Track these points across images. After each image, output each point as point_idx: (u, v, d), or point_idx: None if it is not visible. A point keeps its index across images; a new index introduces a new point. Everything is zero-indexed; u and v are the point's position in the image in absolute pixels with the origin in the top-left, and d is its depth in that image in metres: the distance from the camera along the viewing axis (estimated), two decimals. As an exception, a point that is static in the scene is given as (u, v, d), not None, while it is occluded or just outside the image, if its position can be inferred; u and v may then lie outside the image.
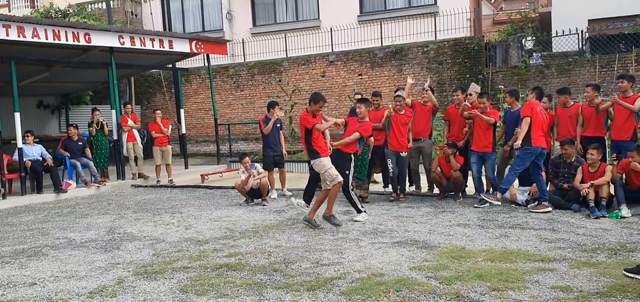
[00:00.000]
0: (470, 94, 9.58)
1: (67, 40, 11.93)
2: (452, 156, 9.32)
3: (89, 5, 23.69)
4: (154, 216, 9.35)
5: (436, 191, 9.89)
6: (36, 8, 25.64)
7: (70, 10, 22.48)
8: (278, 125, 10.91)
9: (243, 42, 20.50)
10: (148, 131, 14.54)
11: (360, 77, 18.26)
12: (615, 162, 8.41)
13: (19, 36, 11.03)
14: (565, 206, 8.18)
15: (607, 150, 9.12)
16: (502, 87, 15.75)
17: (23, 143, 11.94)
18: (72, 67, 14.66)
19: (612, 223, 7.25)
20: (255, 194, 10.05)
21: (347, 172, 7.86)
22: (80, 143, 13.13)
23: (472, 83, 11.54)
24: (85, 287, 5.41)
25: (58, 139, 15.33)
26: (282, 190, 10.87)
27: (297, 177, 13.03)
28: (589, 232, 6.78)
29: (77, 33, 12.14)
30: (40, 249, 7.18)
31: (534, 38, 20.17)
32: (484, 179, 9.34)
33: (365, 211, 8.15)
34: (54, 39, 11.67)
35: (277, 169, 10.96)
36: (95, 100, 19.89)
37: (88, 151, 13.22)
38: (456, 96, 9.71)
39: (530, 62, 16.87)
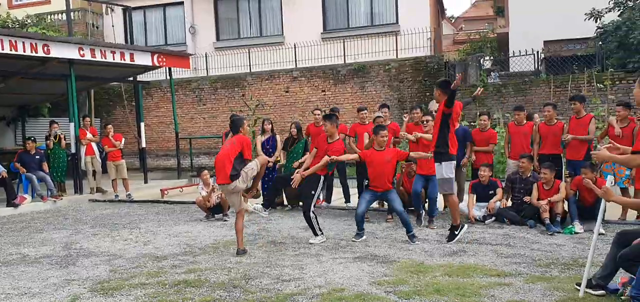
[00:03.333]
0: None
1: (24, 52, 11.65)
2: (415, 172, 9.43)
3: (49, 16, 23.18)
4: (112, 231, 9.17)
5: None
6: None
7: (29, 21, 21.93)
8: None
9: (206, 56, 20.40)
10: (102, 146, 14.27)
11: (324, 93, 18.39)
12: (569, 180, 8.69)
13: (-27, 46, 10.73)
14: (520, 221, 8.40)
15: (564, 167, 9.42)
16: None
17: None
18: (29, 78, 14.32)
19: (565, 238, 7.48)
20: (216, 210, 9.97)
21: (312, 192, 7.55)
22: (38, 157, 12.80)
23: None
24: (38, 305, 5.27)
25: (13, 151, 14.89)
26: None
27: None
28: (544, 248, 6.98)
29: (36, 44, 11.88)
30: (-9, 266, 6.95)
31: (492, 58, 20.72)
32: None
33: (322, 234, 7.71)
34: (11, 50, 11.39)
35: None
36: (53, 113, 19.40)
37: (45, 165, 12.90)
38: (415, 114, 9.85)
39: (488, 81, 17.31)
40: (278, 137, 11.10)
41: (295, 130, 10.67)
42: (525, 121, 9.61)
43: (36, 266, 6.86)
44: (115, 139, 13.28)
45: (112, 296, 5.47)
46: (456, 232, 7.33)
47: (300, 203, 10.26)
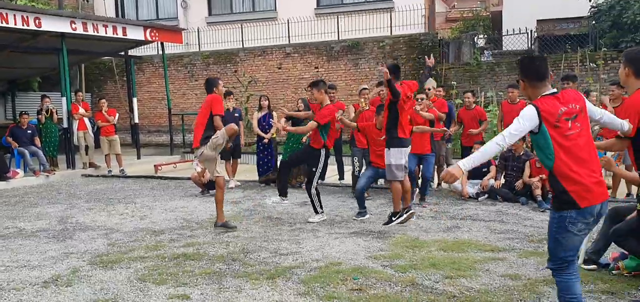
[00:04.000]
0: (429, 89, 9.74)
1: (15, 24, 11.53)
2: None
3: (38, -12, 22.86)
4: (107, 205, 9.19)
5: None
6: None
7: (18, -7, 21.64)
8: (236, 115, 10.92)
9: (198, 31, 20.26)
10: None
11: (317, 70, 18.34)
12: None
13: (-36, 18, 10.61)
14: (513, 199, 8.51)
15: None
16: (454, 83, 16.15)
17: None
18: (20, 52, 14.18)
19: (557, 215, 7.59)
20: (211, 185, 9.99)
21: (313, 169, 7.36)
22: (29, 131, 12.75)
23: (430, 79, 11.79)
24: (38, 277, 5.30)
25: (4, 126, 14.79)
26: (229, 180, 10.86)
27: (251, 168, 13.00)
28: (536, 224, 7.09)
29: (27, 17, 11.75)
30: (-12, 239, 6.97)
31: (485, 36, 20.74)
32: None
33: (323, 213, 7.57)
34: (2, 22, 11.27)
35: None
36: (44, 87, 19.23)
37: (37, 140, 12.85)
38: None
39: (482, 59, 17.35)
40: (274, 113, 11.10)
41: (302, 105, 10.49)
42: (518, 99, 9.71)
43: (33, 240, 6.89)
44: (108, 114, 13.22)
45: (112, 268, 5.51)
46: (393, 218, 6.98)
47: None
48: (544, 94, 3.56)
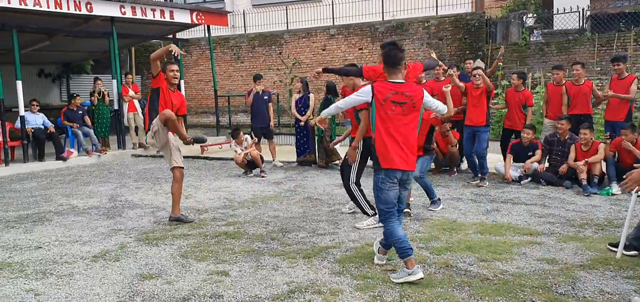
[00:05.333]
0: (476, 68, 9.53)
1: (68, 9, 12.00)
2: (449, 131, 9.46)
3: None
4: (154, 185, 9.53)
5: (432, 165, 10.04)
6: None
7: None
8: (265, 97, 11.17)
9: (244, 14, 20.49)
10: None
11: (361, 51, 18.31)
12: (608, 141, 8.57)
13: (20, 4, 11.10)
14: (557, 182, 8.36)
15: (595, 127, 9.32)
16: (502, 63, 15.80)
17: (26, 111, 12.08)
18: (73, 36, 14.72)
19: (602, 200, 7.43)
20: (253, 165, 10.22)
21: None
22: (81, 112, 13.30)
23: (478, 59, 11.64)
24: (89, 252, 5.60)
25: (59, 107, 15.45)
26: (273, 161, 11.11)
27: (290, 149, 13.15)
28: (579, 209, 6.96)
29: (79, 2, 12.20)
30: (44, 215, 7.36)
31: (535, 15, 20.16)
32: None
33: (375, 214, 6.30)
34: (56, 8, 11.75)
35: (266, 141, 11.29)
36: (96, 70, 19.94)
37: (87, 119, 13.39)
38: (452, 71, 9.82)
39: (531, 39, 16.91)
40: (311, 95, 11.21)
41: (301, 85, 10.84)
42: (564, 80, 9.46)
43: (85, 216, 7.24)
44: (134, 90, 13.61)
45: (157, 245, 5.76)
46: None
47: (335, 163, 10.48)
48: (391, 80, 4.54)
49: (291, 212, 7.11)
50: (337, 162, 10.50)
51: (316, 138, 10.85)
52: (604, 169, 8.23)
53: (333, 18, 18.98)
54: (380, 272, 4.72)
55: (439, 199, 7.23)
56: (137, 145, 14.05)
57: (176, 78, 6.61)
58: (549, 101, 9.54)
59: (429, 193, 7.17)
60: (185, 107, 6.90)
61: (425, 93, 4.66)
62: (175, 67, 6.60)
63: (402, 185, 4.68)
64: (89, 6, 12.37)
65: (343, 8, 18.89)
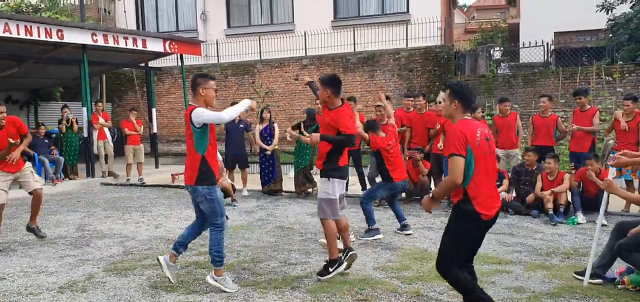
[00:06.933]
0: (440, 101, 9.82)
1: (39, 36, 11.87)
2: (420, 161, 9.60)
3: (61, 1, 23.40)
4: (124, 214, 9.40)
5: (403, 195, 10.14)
6: (7, 2, 25.19)
7: (42, 5, 22.16)
8: (241, 125, 11.16)
9: (217, 43, 20.55)
10: (119, 129, 14.51)
11: (333, 81, 18.47)
12: (573, 171, 8.80)
13: (-11, 31, 10.95)
14: (525, 212, 8.52)
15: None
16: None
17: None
18: (43, 63, 14.55)
19: (568, 229, 7.60)
20: (224, 195, 10.15)
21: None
22: (46, 140, 13.13)
23: (441, 92, 11.89)
24: (55, 283, 5.48)
25: (27, 135, 15.14)
26: (242, 189, 11.08)
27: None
28: (546, 237, 7.11)
29: (50, 29, 12.09)
30: (8, 245, 7.19)
31: (502, 48, 20.69)
32: None
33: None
34: (26, 35, 11.62)
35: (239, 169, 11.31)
36: (66, 97, 19.68)
37: (53, 148, 13.22)
38: (418, 101, 10.04)
39: (498, 71, 17.33)
40: (276, 126, 11.26)
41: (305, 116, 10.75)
42: (509, 112, 9.84)
43: (52, 246, 7.10)
44: (138, 125, 13.49)
45: (126, 275, 5.67)
46: (330, 270, 5.47)
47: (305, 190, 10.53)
48: None
49: (263, 242, 7.09)
50: (311, 190, 10.56)
51: (290, 167, 10.87)
52: (570, 199, 8.43)
53: (306, 48, 19.17)
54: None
55: (377, 229, 7.19)
56: (107, 173, 13.85)
57: None
58: (498, 132, 9.83)
59: (369, 221, 7.22)
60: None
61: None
62: None
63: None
64: (60, 33, 12.26)
65: (315, 39, 19.10)
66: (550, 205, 8.15)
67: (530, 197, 8.51)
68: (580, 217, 7.97)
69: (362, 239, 7.04)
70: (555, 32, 18.49)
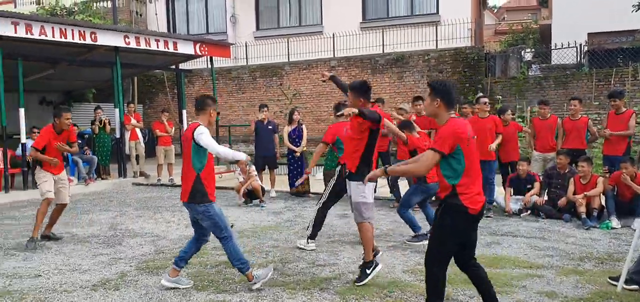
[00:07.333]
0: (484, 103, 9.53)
1: (73, 39, 12.13)
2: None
3: (94, 4, 23.88)
4: (155, 213, 9.54)
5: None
6: (42, 5, 25.81)
7: (76, 8, 22.67)
8: (270, 127, 11.22)
9: (246, 46, 20.72)
10: (150, 130, 14.72)
11: (361, 83, 18.45)
12: (607, 175, 8.61)
13: (26, 33, 11.22)
14: (557, 215, 8.38)
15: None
16: (500, 96, 15.96)
17: (27, 138, 12.13)
18: (76, 65, 14.85)
19: (601, 233, 7.44)
20: (252, 196, 10.24)
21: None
22: (79, 141, 13.36)
23: (481, 94, 11.77)
24: (88, 280, 5.60)
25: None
26: (270, 190, 11.11)
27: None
28: (578, 242, 6.97)
29: (84, 32, 12.34)
30: (43, 243, 7.35)
31: (533, 50, 20.39)
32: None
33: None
34: (61, 37, 11.87)
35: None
36: (98, 98, 20.05)
37: (87, 148, 13.48)
38: (417, 106, 9.83)
39: (529, 73, 17.09)
40: (304, 127, 11.28)
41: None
42: (549, 115, 9.64)
43: (85, 245, 7.24)
44: (169, 126, 13.69)
45: (157, 274, 5.76)
46: (368, 272, 5.40)
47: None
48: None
49: (290, 243, 7.11)
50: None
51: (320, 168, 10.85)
52: (603, 203, 8.26)
53: (334, 50, 19.19)
54: (380, 304, 4.72)
55: (425, 234, 6.81)
56: (138, 173, 14.07)
57: None
58: (536, 136, 9.67)
59: (413, 227, 7.09)
60: None
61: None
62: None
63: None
64: (93, 36, 12.51)
65: (343, 40, 19.11)
66: (583, 209, 7.99)
67: (562, 201, 8.36)
68: (615, 222, 7.80)
69: (409, 243, 7.00)
70: (588, 33, 18.15)
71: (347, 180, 5.67)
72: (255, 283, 5.15)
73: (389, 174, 4.19)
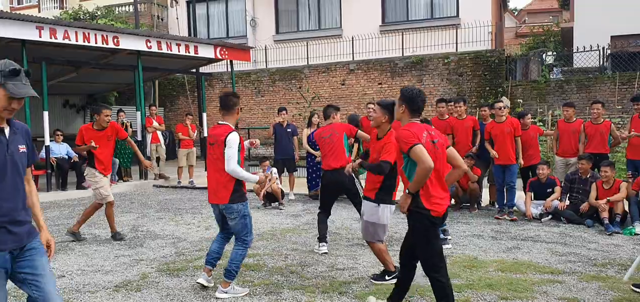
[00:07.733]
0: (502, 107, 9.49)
1: (96, 43, 12.31)
2: (470, 167, 9.44)
3: (117, 8, 24.22)
4: (176, 215, 9.63)
5: (452, 201, 10.01)
6: (65, 9, 26.26)
7: (98, 13, 23.03)
8: (289, 130, 11.24)
9: (266, 49, 20.83)
10: (172, 133, 14.85)
11: (380, 86, 18.45)
12: (630, 180, 8.49)
13: (50, 37, 11.42)
14: (578, 220, 8.28)
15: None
16: (521, 100, 15.82)
17: (51, 141, 12.34)
18: (99, 68, 15.07)
19: (624, 239, 7.34)
20: (272, 198, 10.29)
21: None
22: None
23: (503, 96, 11.68)
24: (111, 281, 5.68)
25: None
26: (289, 193, 11.12)
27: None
28: (601, 247, 6.89)
29: (106, 36, 12.52)
30: (66, 244, 7.47)
31: (554, 53, 20.18)
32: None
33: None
34: (84, 41, 12.06)
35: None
36: (120, 101, 20.34)
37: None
38: (458, 107, 9.75)
39: (551, 76, 16.92)
40: None
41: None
42: (574, 118, 9.51)
43: (107, 246, 7.35)
44: (191, 130, 13.82)
45: (178, 276, 5.82)
46: (387, 277, 5.52)
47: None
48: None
49: (310, 246, 7.13)
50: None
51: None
52: (627, 208, 8.14)
53: (353, 53, 19.21)
54: (399, 308, 4.71)
55: (444, 239, 6.82)
56: (159, 176, 14.22)
57: None
58: (559, 139, 9.55)
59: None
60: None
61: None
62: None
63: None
64: (116, 40, 12.69)
65: (363, 44, 19.12)
66: (605, 214, 7.89)
67: (584, 206, 8.26)
68: (638, 228, 7.68)
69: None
70: (611, 36, 17.90)
71: (363, 200, 5.58)
72: (230, 291, 5.11)
73: (411, 192, 4.19)
